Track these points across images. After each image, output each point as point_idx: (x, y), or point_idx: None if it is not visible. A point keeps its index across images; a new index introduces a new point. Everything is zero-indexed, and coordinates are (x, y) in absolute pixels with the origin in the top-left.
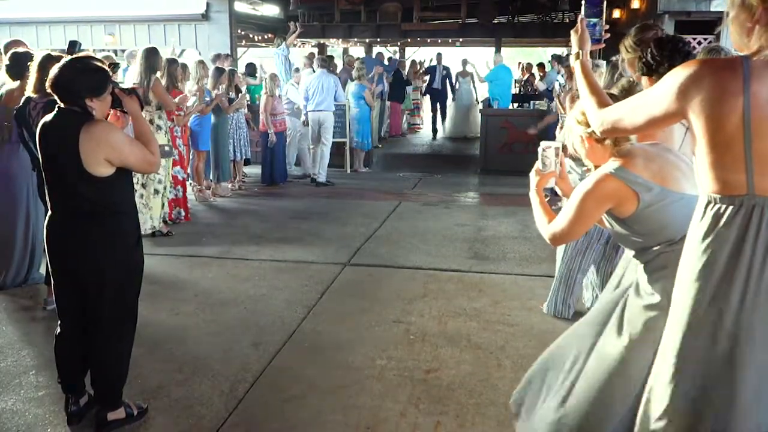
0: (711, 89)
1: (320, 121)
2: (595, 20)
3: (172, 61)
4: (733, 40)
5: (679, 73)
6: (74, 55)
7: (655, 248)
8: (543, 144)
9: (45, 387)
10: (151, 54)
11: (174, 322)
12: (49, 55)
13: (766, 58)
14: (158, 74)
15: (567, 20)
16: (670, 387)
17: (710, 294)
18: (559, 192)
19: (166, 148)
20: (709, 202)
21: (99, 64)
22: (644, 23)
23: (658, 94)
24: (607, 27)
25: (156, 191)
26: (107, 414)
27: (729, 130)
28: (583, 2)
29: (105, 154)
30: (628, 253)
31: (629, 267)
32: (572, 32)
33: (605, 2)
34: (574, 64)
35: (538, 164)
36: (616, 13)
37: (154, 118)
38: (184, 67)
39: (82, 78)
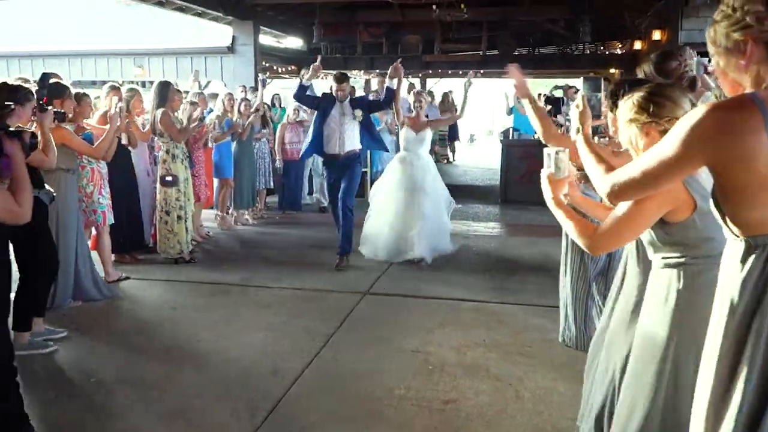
0: (732, 130)
1: None
2: (596, 96)
3: (177, 91)
4: (728, 88)
5: (694, 120)
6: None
7: (681, 259)
8: (552, 149)
9: None
10: (161, 87)
11: (195, 347)
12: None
13: None
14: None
15: (587, 51)
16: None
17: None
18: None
19: (167, 179)
20: (750, 246)
21: None
22: (666, 51)
23: (674, 146)
24: (607, 103)
25: (179, 217)
26: None
27: (760, 167)
28: (582, 79)
29: None
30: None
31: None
32: (573, 106)
33: (603, 79)
34: (576, 137)
35: (549, 170)
36: (638, 45)
37: (170, 147)
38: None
39: None
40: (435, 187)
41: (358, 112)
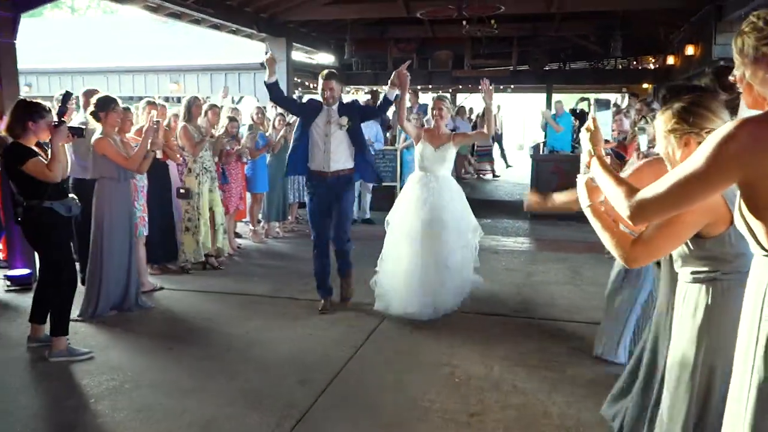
0: (766, 142)
1: None
2: (605, 115)
3: (211, 106)
4: (750, 101)
5: (726, 134)
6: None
7: (711, 274)
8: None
9: None
10: (187, 102)
11: (227, 357)
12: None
13: None
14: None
15: (620, 66)
16: None
17: None
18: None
19: (181, 191)
20: None
21: None
22: (724, 66)
23: (707, 161)
24: (614, 128)
25: (187, 229)
26: None
27: None
28: (593, 101)
29: None
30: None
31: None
32: (584, 130)
33: (631, 95)
34: (591, 161)
35: (587, 175)
36: (671, 60)
37: (189, 161)
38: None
39: None
40: (458, 217)
41: (344, 119)
